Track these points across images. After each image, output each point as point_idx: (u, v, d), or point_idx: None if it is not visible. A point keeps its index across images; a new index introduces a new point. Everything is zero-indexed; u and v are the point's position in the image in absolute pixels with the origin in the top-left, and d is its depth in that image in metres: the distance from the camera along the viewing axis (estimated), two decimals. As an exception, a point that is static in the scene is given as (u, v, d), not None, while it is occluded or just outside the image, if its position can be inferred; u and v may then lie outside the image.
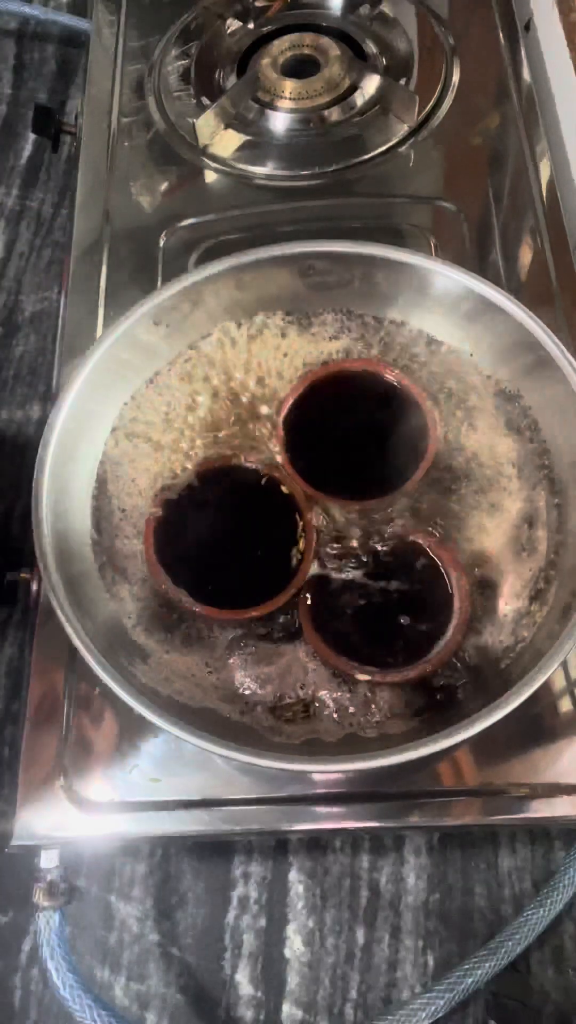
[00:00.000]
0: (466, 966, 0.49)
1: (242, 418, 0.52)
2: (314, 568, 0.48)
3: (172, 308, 0.50)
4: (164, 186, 0.69)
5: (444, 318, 0.52)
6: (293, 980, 0.53)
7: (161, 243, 0.65)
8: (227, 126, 0.69)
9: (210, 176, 0.69)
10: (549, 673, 0.39)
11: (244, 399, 0.52)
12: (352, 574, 0.48)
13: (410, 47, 0.73)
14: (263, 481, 0.50)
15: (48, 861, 0.48)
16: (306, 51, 0.72)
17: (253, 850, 0.56)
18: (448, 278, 0.50)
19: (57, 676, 0.51)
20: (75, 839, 0.48)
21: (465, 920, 0.54)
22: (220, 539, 0.49)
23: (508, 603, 0.47)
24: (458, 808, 0.48)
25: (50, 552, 0.44)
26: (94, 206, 0.67)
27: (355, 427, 0.51)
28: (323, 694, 0.45)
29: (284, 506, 0.49)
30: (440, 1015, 0.48)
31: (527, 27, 0.74)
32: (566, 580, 0.45)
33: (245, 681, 0.46)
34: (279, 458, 0.50)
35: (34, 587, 0.54)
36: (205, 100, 0.71)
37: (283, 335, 0.53)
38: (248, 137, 0.69)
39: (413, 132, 0.68)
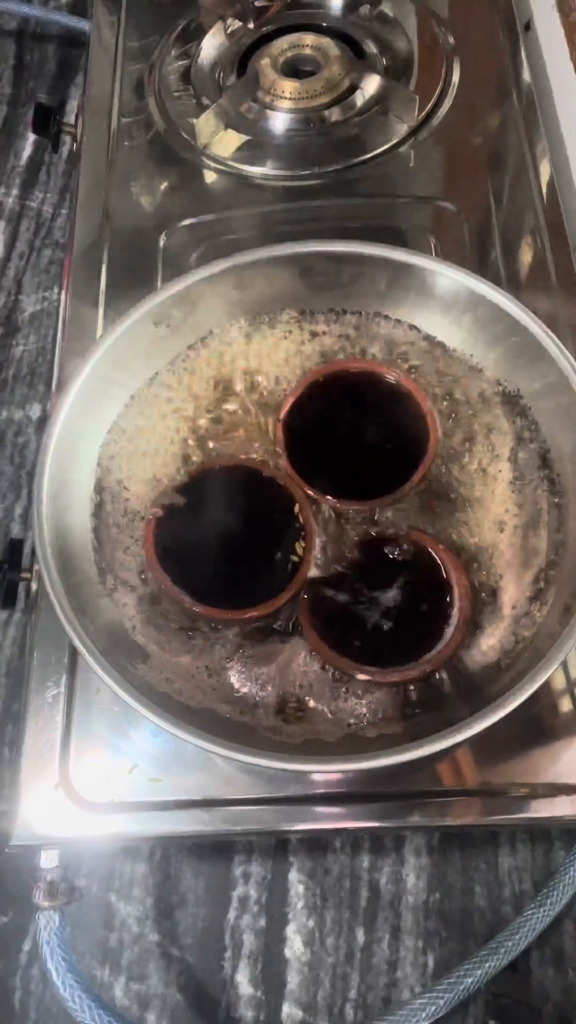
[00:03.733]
0: (466, 966, 0.49)
1: (242, 418, 0.52)
2: (314, 568, 0.48)
3: (172, 308, 0.50)
4: (164, 186, 0.69)
5: (444, 318, 0.52)
6: (293, 980, 0.53)
7: (161, 243, 0.65)
8: (227, 126, 0.69)
9: (210, 176, 0.69)
10: (549, 673, 0.39)
11: (244, 399, 0.52)
12: (352, 574, 0.48)
13: (410, 47, 0.73)
14: (263, 481, 0.50)
15: (48, 861, 0.48)
16: (306, 51, 0.72)
17: (253, 850, 0.56)
18: (448, 278, 0.50)
19: (57, 676, 0.51)
20: (75, 839, 0.48)
21: (465, 920, 0.54)
22: (220, 539, 0.48)
23: (508, 603, 0.47)
24: (458, 808, 0.48)
25: (50, 552, 0.43)
26: (94, 206, 0.67)
27: (355, 427, 0.51)
28: (323, 694, 0.45)
29: (284, 506, 0.49)
30: (440, 1015, 0.48)
31: (527, 27, 0.74)
32: (566, 580, 0.45)
33: (245, 681, 0.46)
34: (279, 458, 0.50)
35: (34, 587, 0.54)
36: (205, 100, 0.71)
37: (283, 335, 0.53)
38: (248, 137, 0.69)
39: (413, 132, 0.68)
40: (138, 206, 0.68)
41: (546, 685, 0.40)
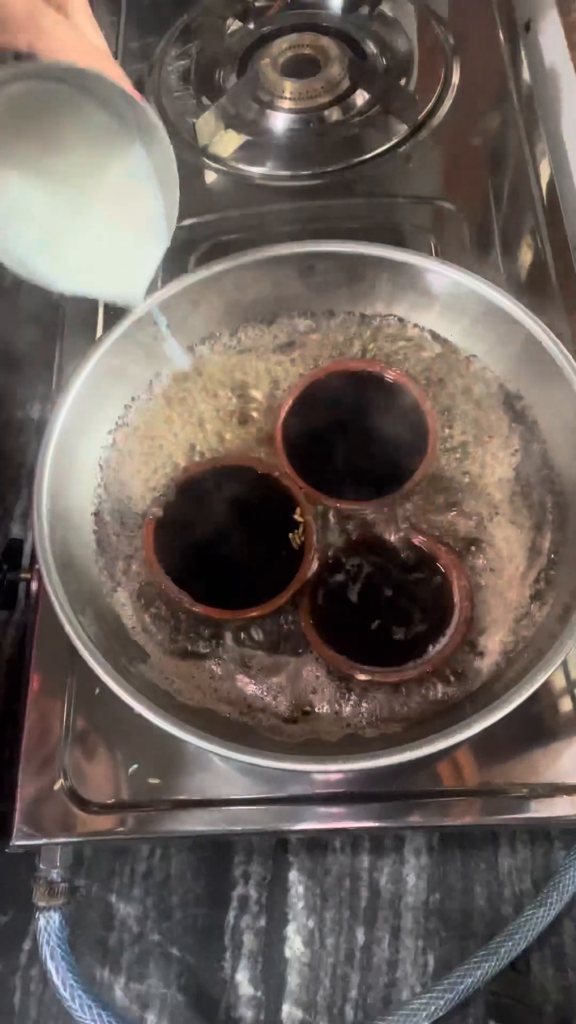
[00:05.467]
0: (466, 966, 0.49)
1: (242, 418, 0.52)
2: (314, 568, 0.47)
3: (172, 308, 0.50)
4: (164, 186, 0.68)
5: (444, 318, 0.52)
6: (293, 980, 0.53)
7: (161, 243, 0.65)
8: (227, 126, 0.69)
9: (210, 176, 0.69)
10: (549, 673, 0.39)
11: (244, 399, 0.52)
12: (353, 574, 0.48)
13: (410, 47, 0.73)
14: (263, 481, 0.50)
15: (48, 861, 0.48)
16: (306, 51, 0.72)
17: (253, 850, 0.56)
18: (448, 278, 0.50)
19: (57, 676, 0.51)
20: (75, 839, 0.48)
21: (465, 920, 0.54)
22: (220, 539, 0.48)
23: (508, 603, 0.47)
24: (458, 808, 0.48)
25: (50, 552, 0.43)
26: (94, 206, 0.67)
27: (355, 427, 0.51)
28: (323, 694, 0.45)
29: (284, 506, 0.49)
30: (440, 1015, 0.48)
31: (527, 27, 0.74)
32: (566, 580, 0.45)
33: (245, 681, 0.46)
34: (279, 458, 0.50)
35: (34, 587, 0.54)
36: (205, 100, 0.71)
37: (283, 335, 0.53)
38: (248, 137, 0.69)
39: (413, 132, 0.68)
40: (138, 206, 0.68)
41: (546, 685, 0.40)
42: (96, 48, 0.40)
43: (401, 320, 0.53)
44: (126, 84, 0.39)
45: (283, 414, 0.51)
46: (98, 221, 0.42)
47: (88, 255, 0.42)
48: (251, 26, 0.75)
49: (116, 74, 0.39)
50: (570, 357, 0.46)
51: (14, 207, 0.39)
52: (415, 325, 0.53)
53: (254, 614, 0.46)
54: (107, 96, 0.39)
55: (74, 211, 0.41)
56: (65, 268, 0.42)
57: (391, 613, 0.47)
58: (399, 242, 0.58)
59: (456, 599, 0.46)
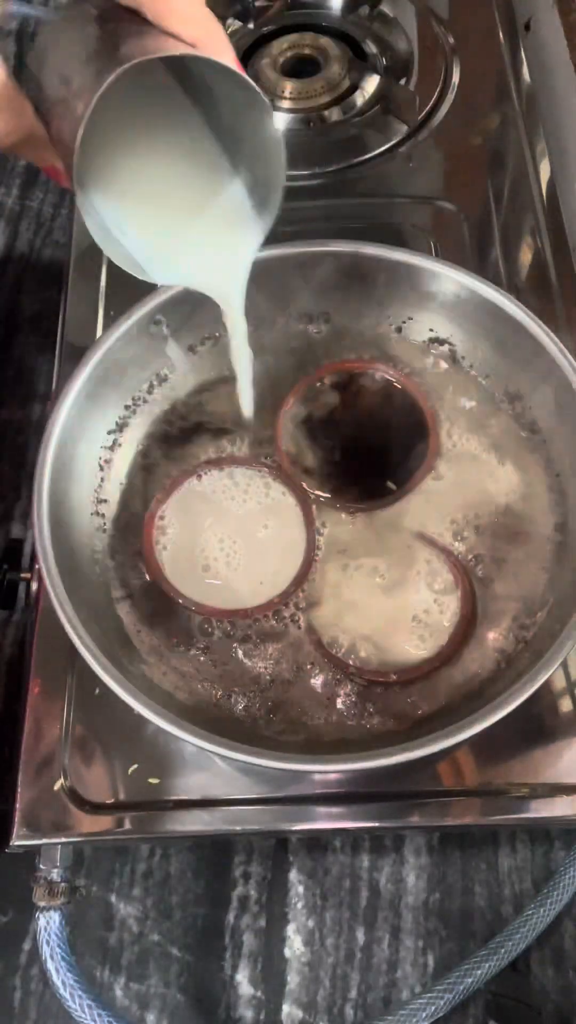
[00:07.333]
0: (466, 966, 0.49)
1: (242, 418, 0.52)
2: (315, 565, 0.47)
3: (172, 308, 0.50)
4: (164, 186, 0.68)
5: (444, 318, 0.52)
6: (293, 980, 0.53)
7: (161, 243, 0.65)
8: (227, 126, 0.69)
9: (210, 176, 0.69)
10: (549, 673, 0.39)
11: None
12: (353, 573, 0.48)
13: (410, 47, 0.73)
14: (264, 480, 0.50)
15: (48, 861, 0.48)
16: (306, 51, 0.72)
17: (253, 850, 0.56)
18: (448, 279, 0.49)
19: (57, 676, 0.51)
20: (75, 839, 0.48)
21: (465, 920, 0.54)
22: (220, 539, 0.48)
23: (508, 603, 0.47)
24: (458, 808, 0.48)
25: (51, 552, 0.43)
26: (94, 206, 0.67)
27: (356, 427, 0.51)
28: (324, 693, 0.45)
29: (286, 506, 0.49)
30: (440, 1015, 0.48)
31: (527, 27, 0.74)
32: (566, 580, 0.45)
33: (246, 681, 0.46)
34: (280, 458, 0.50)
35: (34, 587, 0.54)
36: (205, 100, 0.71)
37: (283, 335, 0.53)
38: (248, 137, 0.69)
39: (413, 132, 0.68)
40: (138, 206, 0.68)
41: (546, 685, 0.40)
42: (208, 17, 0.33)
43: (401, 319, 0.53)
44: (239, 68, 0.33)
45: (283, 413, 0.51)
46: (190, 212, 0.41)
47: (179, 245, 0.42)
48: (251, 26, 0.75)
49: (229, 56, 0.33)
50: (570, 357, 0.46)
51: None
52: (415, 325, 0.53)
53: (255, 613, 0.46)
54: (212, 79, 0.34)
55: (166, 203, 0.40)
56: (157, 259, 0.42)
57: (393, 611, 0.47)
58: (399, 242, 0.58)
59: (457, 599, 0.46)
